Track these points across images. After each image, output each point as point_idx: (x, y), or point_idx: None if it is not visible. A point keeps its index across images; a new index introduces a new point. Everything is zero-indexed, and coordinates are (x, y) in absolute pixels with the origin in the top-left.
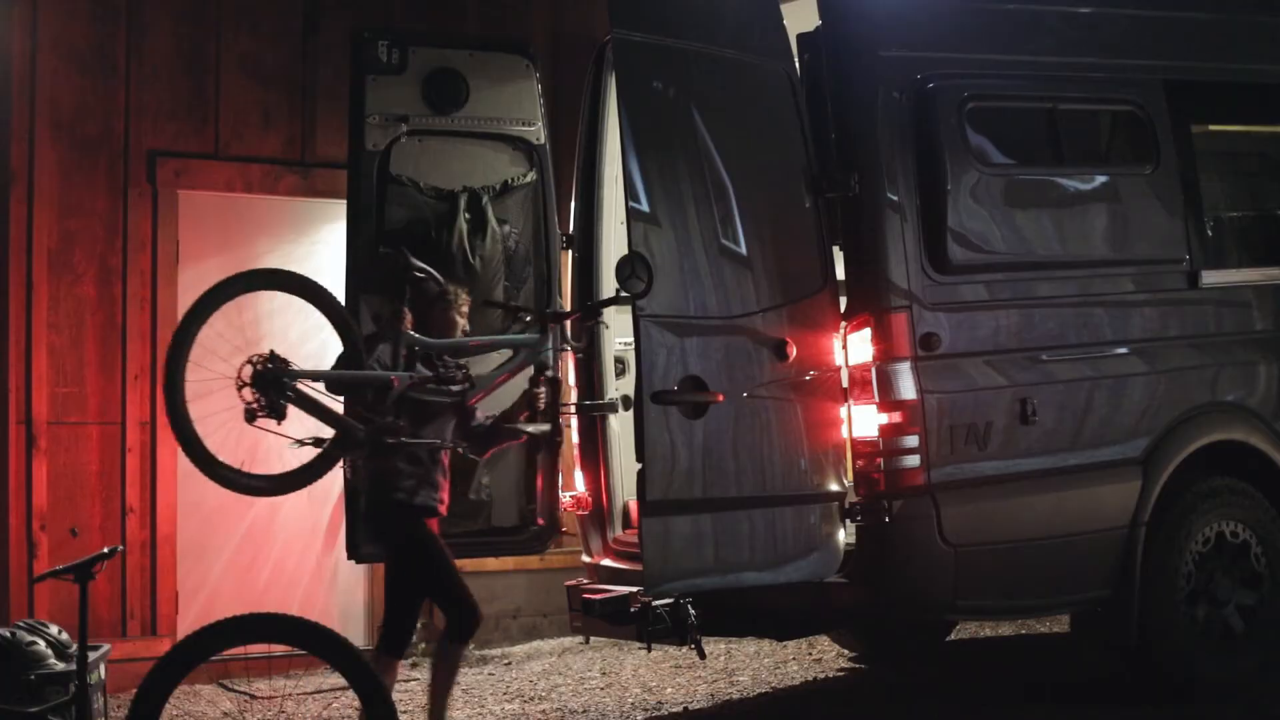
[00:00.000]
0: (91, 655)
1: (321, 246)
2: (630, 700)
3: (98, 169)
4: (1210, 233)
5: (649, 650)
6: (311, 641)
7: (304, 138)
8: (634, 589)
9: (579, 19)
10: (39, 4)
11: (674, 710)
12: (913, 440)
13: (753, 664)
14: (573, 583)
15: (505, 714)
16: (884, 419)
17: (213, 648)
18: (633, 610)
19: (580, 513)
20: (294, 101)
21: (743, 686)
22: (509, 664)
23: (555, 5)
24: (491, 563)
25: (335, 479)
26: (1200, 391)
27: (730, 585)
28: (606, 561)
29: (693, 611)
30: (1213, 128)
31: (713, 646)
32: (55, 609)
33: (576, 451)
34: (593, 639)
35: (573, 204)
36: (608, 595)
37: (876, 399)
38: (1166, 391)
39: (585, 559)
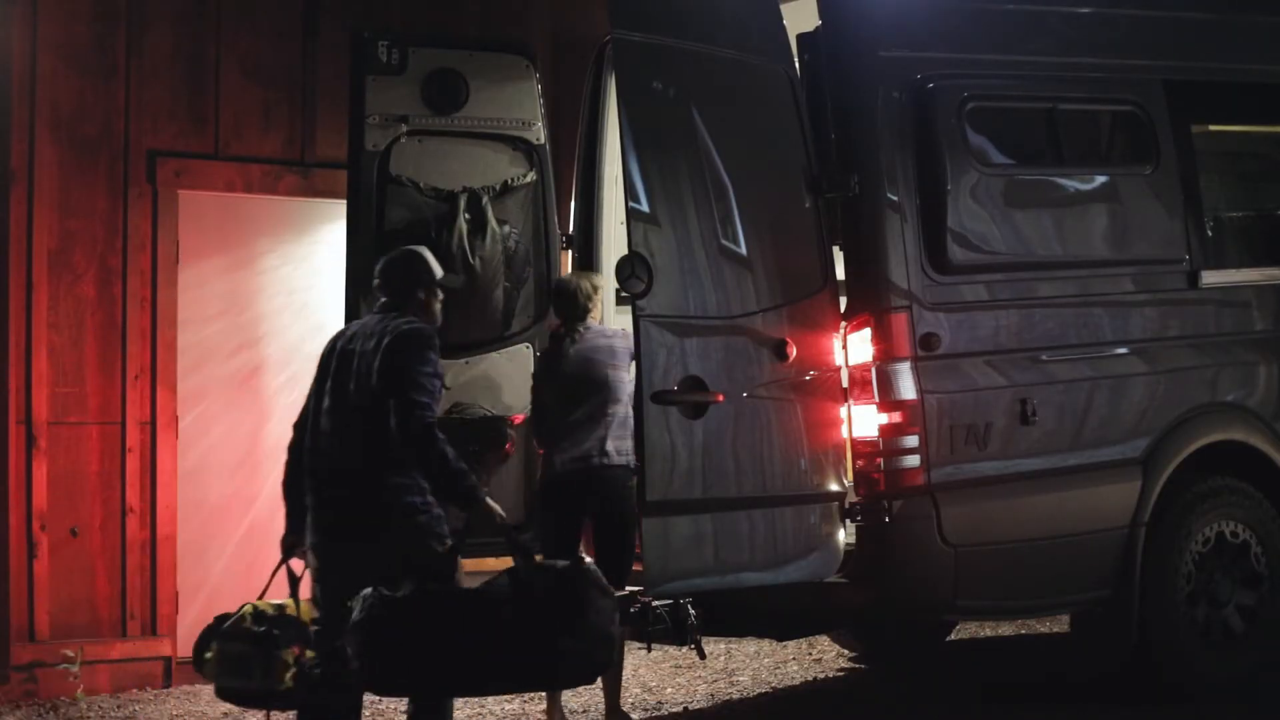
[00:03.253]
0: None
1: (321, 246)
2: (630, 700)
3: (98, 169)
4: (1210, 233)
5: (649, 650)
6: None
7: (304, 138)
8: (634, 589)
9: (579, 19)
10: (39, 4)
11: (674, 710)
12: (913, 440)
13: (753, 664)
14: None
15: (505, 714)
16: (884, 419)
17: None
18: (633, 610)
19: None
20: (294, 101)
21: (743, 686)
22: None
23: (555, 5)
24: (491, 563)
25: None
26: (1200, 391)
27: (730, 586)
28: None
29: (693, 611)
30: (1213, 128)
31: (713, 646)
32: (55, 607)
33: None
34: None
35: (573, 204)
36: None
37: (876, 399)
38: (1166, 392)
39: (585, 559)
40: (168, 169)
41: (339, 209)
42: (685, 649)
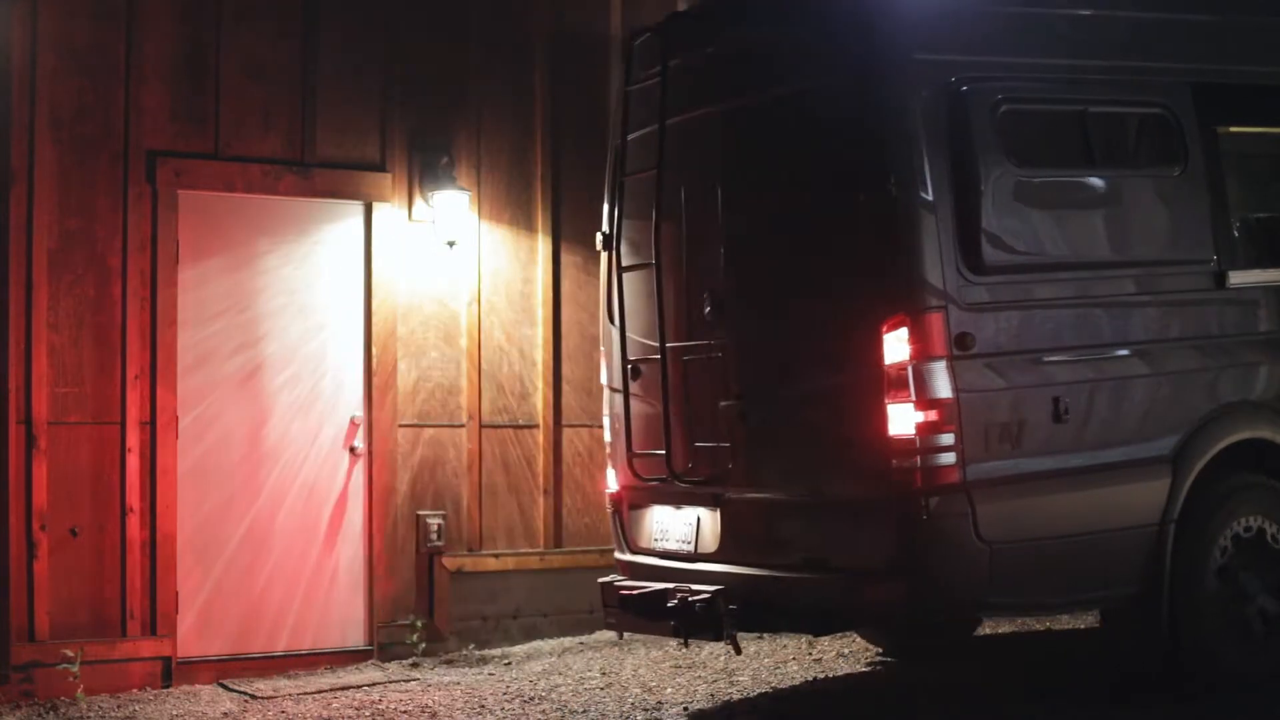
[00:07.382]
0: None
1: (321, 247)
2: (630, 700)
3: (98, 169)
4: (1237, 233)
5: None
6: None
7: (304, 138)
8: (669, 585)
9: (579, 16)
10: (39, 4)
11: (674, 710)
12: (948, 438)
13: (753, 664)
14: (606, 580)
15: (505, 714)
16: (920, 417)
17: None
18: (669, 606)
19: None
20: (294, 101)
21: (743, 686)
22: (509, 664)
23: (556, 4)
24: (491, 563)
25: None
26: (1228, 390)
27: None
28: (642, 558)
29: (729, 607)
30: (1236, 129)
31: (713, 646)
32: (55, 607)
33: (609, 449)
34: (596, 637)
35: (605, 204)
36: (644, 591)
37: (913, 398)
38: (1195, 390)
39: (619, 556)
40: (168, 169)
41: (339, 209)
42: (685, 648)
